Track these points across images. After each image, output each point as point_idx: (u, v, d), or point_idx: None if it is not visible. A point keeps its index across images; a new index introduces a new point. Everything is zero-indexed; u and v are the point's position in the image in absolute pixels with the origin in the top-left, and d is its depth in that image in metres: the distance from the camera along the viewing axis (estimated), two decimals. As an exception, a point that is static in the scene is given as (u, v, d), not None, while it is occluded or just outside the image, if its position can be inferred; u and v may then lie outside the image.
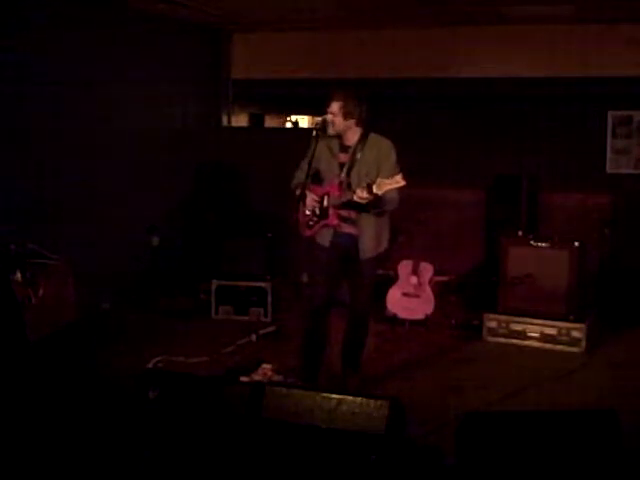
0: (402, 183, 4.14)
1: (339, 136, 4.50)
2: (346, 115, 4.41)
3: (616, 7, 6.29)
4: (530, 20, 6.85)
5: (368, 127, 4.53)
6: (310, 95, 7.59)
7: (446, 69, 7.33)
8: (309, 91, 7.73)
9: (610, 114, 7.22)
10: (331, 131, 4.45)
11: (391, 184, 4.14)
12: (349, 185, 4.44)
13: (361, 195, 4.21)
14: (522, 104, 7.37)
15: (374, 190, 4.15)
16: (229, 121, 8.43)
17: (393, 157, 4.46)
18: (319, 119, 4.52)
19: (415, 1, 6.33)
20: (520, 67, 7.12)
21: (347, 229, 4.52)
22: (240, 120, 9.17)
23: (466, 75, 7.32)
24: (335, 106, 4.42)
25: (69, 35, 6.02)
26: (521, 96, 7.32)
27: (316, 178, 4.55)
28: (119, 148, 6.65)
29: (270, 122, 10.46)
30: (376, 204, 4.29)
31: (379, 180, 4.16)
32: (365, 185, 4.21)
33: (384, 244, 4.61)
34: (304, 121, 11.01)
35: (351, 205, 4.39)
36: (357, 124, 4.48)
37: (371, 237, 4.50)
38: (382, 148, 4.47)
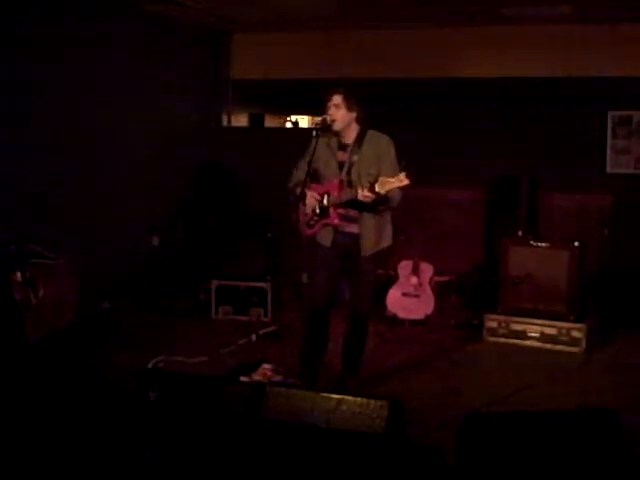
0: (406, 182, 4.13)
1: (337, 134, 4.50)
2: (350, 107, 4.42)
3: (616, 7, 6.29)
4: (530, 20, 6.85)
5: (366, 125, 4.53)
6: (310, 95, 7.57)
7: (446, 69, 7.33)
8: (309, 91, 7.72)
9: (610, 114, 7.21)
10: (335, 127, 4.44)
11: (394, 183, 4.14)
12: (349, 183, 4.44)
13: (364, 194, 4.21)
14: (522, 104, 7.36)
15: (377, 189, 4.15)
16: (229, 121, 8.43)
17: (392, 152, 4.46)
18: (319, 119, 4.53)
19: (415, 1, 6.33)
20: (520, 67, 7.12)
21: (348, 228, 4.52)
22: (240, 120, 9.17)
23: (466, 75, 7.32)
24: (338, 98, 4.42)
25: (69, 36, 6.02)
26: (521, 96, 7.32)
27: (315, 177, 4.55)
28: (119, 148, 6.66)
29: (270, 122, 10.46)
30: (379, 202, 4.29)
31: (381, 179, 4.16)
32: (367, 185, 4.20)
33: (385, 241, 4.61)
34: (304, 121, 11.01)
35: (353, 204, 4.39)
36: (357, 120, 4.49)
37: (372, 234, 4.50)
38: (381, 144, 4.48)
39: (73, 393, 4.15)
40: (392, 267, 6.44)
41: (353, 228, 4.51)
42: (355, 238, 4.51)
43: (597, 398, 4.71)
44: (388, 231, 4.62)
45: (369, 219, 4.47)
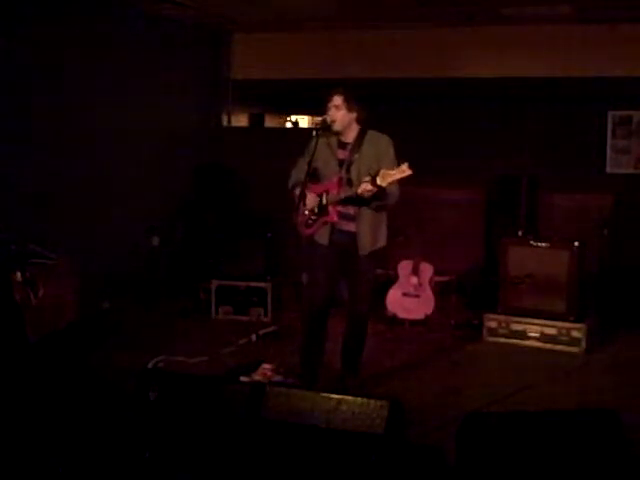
0: (408, 172, 4.10)
1: (337, 133, 4.51)
2: (350, 108, 4.42)
3: (615, 7, 6.29)
4: (530, 20, 6.86)
5: (366, 125, 4.54)
6: (310, 95, 7.57)
7: (446, 69, 7.33)
8: (309, 91, 7.72)
9: (610, 114, 7.21)
10: (335, 128, 4.44)
11: (396, 175, 4.13)
12: (349, 181, 4.44)
13: (365, 188, 4.20)
14: (522, 104, 7.36)
15: (378, 182, 4.14)
16: (229, 121, 8.43)
17: (392, 152, 4.46)
18: (319, 119, 4.53)
19: (415, 1, 6.33)
20: (520, 67, 7.12)
21: (346, 226, 4.52)
22: (240, 120, 9.16)
23: (466, 75, 7.32)
24: (338, 99, 4.42)
25: (69, 36, 6.02)
26: (521, 96, 7.32)
27: (314, 176, 4.54)
28: (119, 148, 6.65)
29: (270, 122, 10.46)
30: (378, 197, 4.28)
31: (383, 171, 4.14)
32: (369, 178, 4.20)
33: (381, 241, 4.60)
34: (304, 121, 11.01)
35: (352, 200, 4.38)
36: (357, 120, 4.49)
37: (369, 233, 4.49)
38: (381, 144, 4.48)
39: (73, 393, 4.15)
40: (392, 267, 6.44)
41: (351, 226, 4.51)
42: (353, 236, 4.50)
43: (597, 398, 4.71)
44: (383, 231, 4.61)
45: (367, 217, 4.47)
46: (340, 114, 4.42)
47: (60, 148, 5.97)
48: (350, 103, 4.43)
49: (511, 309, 6.08)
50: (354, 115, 4.46)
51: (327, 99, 4.46)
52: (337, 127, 4.45)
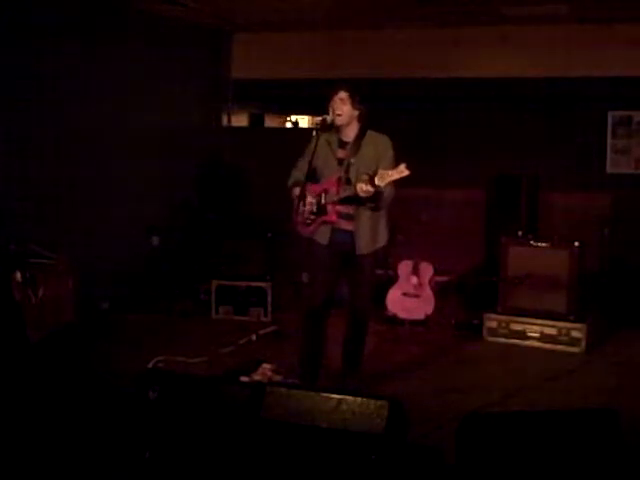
0: (406, 173, 4.11)
1: (338, 131, 4.51)
2: (354, 104, 4.43)
3: (615, 7, 6.29)
4: (530, 20, 6.86)
5: (366, 126, 4.54)
6: (310, 95, 7.58)
7: (446, 69, 7.33)
8: (309, 91, 7.72)
9: (610, 114, 7.22)
10: (337, 121, 4.44)
11: (393, 175, 4.13)
12: (348, 181, 4.43)
13: (363, 188, 4.20)
14: (522, 104, 7.37)
15: (376, 182, 4.14)
16: (229, 121, 8.43)
17: (390, 153, 4.46)
18: (319, 119, 4.53)
19: (415, 1, 6.34)
20: (520, 67, 7.13)
21: (345, 225, 4.51)
22: (240, 120, 9.17)
23: (466, 75, 7.32)
24: (344, 94, 4.43)
25: (70, 36, 6.02)
26: (521, 96, 7.32)
27: (313, 176, 4.53)
28: (119, 148, 6.65)
29: (270, 122, 10.46)
30: (375, 198, 4.28)
31: (381, 172, 4.15)
32: (367, 178, 4.19)
33: (381, 241, 4.59)
34: (304, 121, 11.01)
35: (351, 200, 4.38)
36: (358, 119, 4.49)
37: (367, 232, 4.48)
38: (380, 144, 4.48)
39: (73, 393, 4.15)
40: (392, 267, 6.44)
41: (350, 226, 4.50)
42: (351, 236, 4.50)
43: (597, 398, 4.71)
44: (383, 231, 4.60)
45: (364, 217, 4.46)
46: (345, 108, 4.42)
47: (60, 148, 5.96)
48: (355, 100, 4.44)
49: (511, 309, 6.08)
50: (357, 113, 4.47)
51: (333, 92, 4.45)
52: (340, 121, 4.44)
